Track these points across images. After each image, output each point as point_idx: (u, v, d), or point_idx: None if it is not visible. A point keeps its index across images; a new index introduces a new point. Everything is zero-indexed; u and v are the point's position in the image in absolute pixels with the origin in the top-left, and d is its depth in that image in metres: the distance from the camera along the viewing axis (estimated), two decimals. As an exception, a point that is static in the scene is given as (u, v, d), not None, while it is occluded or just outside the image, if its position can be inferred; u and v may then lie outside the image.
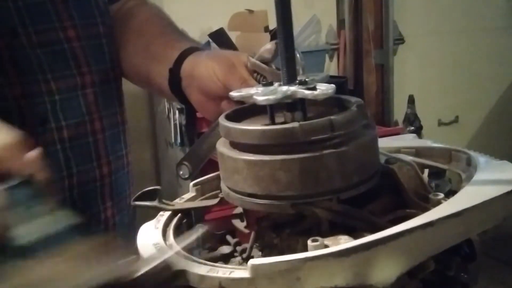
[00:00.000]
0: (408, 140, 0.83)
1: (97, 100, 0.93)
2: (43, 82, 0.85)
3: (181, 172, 0.80)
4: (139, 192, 0.71)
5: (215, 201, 0.72)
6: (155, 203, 0.71)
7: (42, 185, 0.61)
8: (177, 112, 2.55)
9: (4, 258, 0.54)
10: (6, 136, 0.62)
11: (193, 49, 0.89)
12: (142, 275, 0.52)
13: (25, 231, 0.56)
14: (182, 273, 0.55)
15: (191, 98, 0.87)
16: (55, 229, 0.57)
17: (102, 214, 0.93)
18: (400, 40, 3.27)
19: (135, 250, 0.59)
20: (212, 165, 0.70)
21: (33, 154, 0.62)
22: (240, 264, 0.66)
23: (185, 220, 0.73)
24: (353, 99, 0.64)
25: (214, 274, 0.54)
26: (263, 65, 0.78)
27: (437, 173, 0.70)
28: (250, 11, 2.75)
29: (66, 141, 0.89)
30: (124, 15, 1.03)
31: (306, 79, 0.60)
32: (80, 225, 0.58)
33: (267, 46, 0.80)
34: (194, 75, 0.85)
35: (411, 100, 3.16)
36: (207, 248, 0.70)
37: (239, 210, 0.72)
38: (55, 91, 0.86)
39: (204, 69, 0.83)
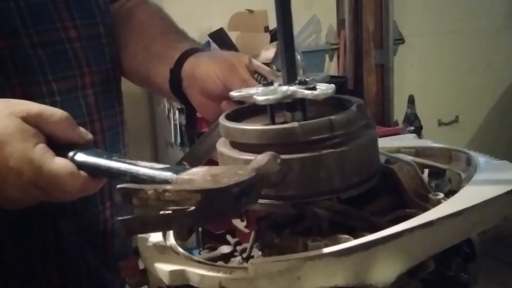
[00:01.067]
0: (408, 140, 0.83)
1: (97, 101, 0.92)
2: (44, 83, 0.85)
3: None
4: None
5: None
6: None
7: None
8: (177, 112, 2.55)
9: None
10: (57, 111, 0.66)
11: (194, 50, 0.89)
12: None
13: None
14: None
15: (191, 99, 0.88)
16: (162, 166, 0.59)
17: (101, 214, 0.93)
18: (400, 40, 3.27)
19: None
20: (212, 165, 0.70)
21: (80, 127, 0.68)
22: (240, 263, 0.66)
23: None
24: (353, 99, 0.64)
25: (214, 274, 0.54)
26: (264, 66, 0.78)
27: (437, 173, 0.70)
28: (250, 11, 2.75)
29: None
30: (125, 15, 1.03)
31: (306, 79, 0.61)
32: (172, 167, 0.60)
33: (268, 48, 0.80)
34: (194, 76, 0.85)
35: (411, 100, 3.15)
36: (207, 248, 0.70)
37: (239, 210, 0.72)
38: (56, 92, 0.86)
39: (204, 70, 0.83)
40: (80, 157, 0.65)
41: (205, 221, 0.56)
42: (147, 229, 0.56)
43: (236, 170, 0.53)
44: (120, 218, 0.53)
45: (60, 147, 0.65)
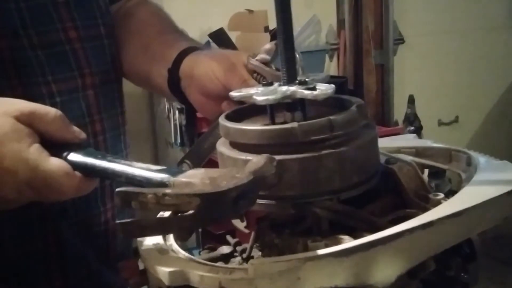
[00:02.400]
0: (408, 140, 0.83)
1: (98, 101, 0.92)
2: (44, 84, 0.85)
3: None
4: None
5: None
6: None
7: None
8: (177, 112, 2.55)
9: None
10: (51, 110, 0.66)
11: (192, 48, 0.89)
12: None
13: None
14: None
15: (190, 98, 0.87)
16: (158, 168, 0.59)
17: (103, 215, 0.93)
18: (400, 40, 3.27)
19: None
20: (213, 165, 0.70)
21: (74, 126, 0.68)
22: (240, 264, 0.66)
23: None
24: (353, 99, 0.64)
25: (214, 274, 0.54)
26: (263, 66, 0.78)
27: (437, 173, 0.70)
28: (250, 11, 2.75)
29: None
30: (124, 15, 1.03)
31: (306, 79, 0.60)
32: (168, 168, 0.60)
33: (267, 47, 0.80)
34: (193, 75, 0.84)
35: (411, 100, 3.15)
36: (207, 248, 0.70)
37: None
38: (56, 93, 0.86)
39: (203, 69, 0.83)
40: (75, 157, 0.64)
41: (204, 224, 0.56)
42: (145, 233, 0.56)
43: (233, 173, 0.53)
44: (118, 221, 0.53)
45: (53, 146, 0.65)
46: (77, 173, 0.64)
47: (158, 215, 0.56)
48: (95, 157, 0.64)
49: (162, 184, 0.56)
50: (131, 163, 0.61)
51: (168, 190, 0.51)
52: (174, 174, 0.56)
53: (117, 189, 0.52)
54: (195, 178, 0.54)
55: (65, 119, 0.67)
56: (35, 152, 0.63)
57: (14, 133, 0.63)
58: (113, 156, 0.65)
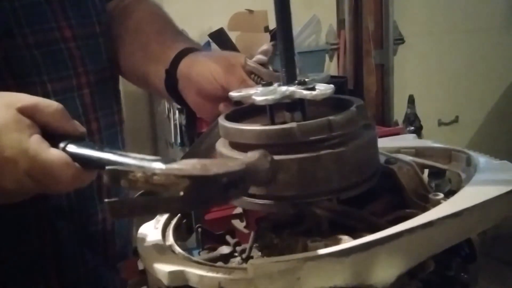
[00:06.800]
0: (408, 140, 0.83)
1: (94, 100, 0.92)
2: (39, 83, 0.84)
3: None
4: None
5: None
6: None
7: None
8: (177, 112, 2.55)
9: None
10: (53, 103, 0.67)
11: (190, 49, 0.88)
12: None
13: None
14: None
15: (187, 99, 0.87)
16: (153, 158, 0.58)
17: (100, 214, 0.93)
18: (400, 40, 3.27)
19: None
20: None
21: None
22: (240, 264, 0.66)
23: (185, 221, 0.73)
24: (353, 99, 0.64)
25: (214, 274, 0.54)
26: (260, 67, 0.78)
27: (437, 173, 0.70)
28: (250, 11, 2.75)
29: None
30: (121, 13, 1.02)
31: (306, 79, 0.60)
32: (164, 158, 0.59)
33: (263, 48, 0.80)
34: (191, 76, 0.84)
35: (411, 100, 3.16)
36: (207, 249, 0.70)
37: (239, 210, 0.72)
38: (51, 93, 0.85)
39: (201, 70, 0.82)
40: (73, 148, 0.65)
41: (192, 208, 0.56)
42: (134, 213, 0.56)
43: (226, 162, 0.53)
44: (106, 200, 0.52)
45: (54, 139, 0.65)
46: (76, 164, 0.64)
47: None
48: (92, 148, 0.65)
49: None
50: (126, 154, 0.61)
51: (157, 170, 0.50)
52: (167, 162, 0.56)
53: (107, 167, 0.52)
54: (187, 165, 0.54)
55: (66, 112, 0.67)
56: (35, 143, 0.63)
57: (16, 124, 0.63)
58: (110, 148, 0.65)
